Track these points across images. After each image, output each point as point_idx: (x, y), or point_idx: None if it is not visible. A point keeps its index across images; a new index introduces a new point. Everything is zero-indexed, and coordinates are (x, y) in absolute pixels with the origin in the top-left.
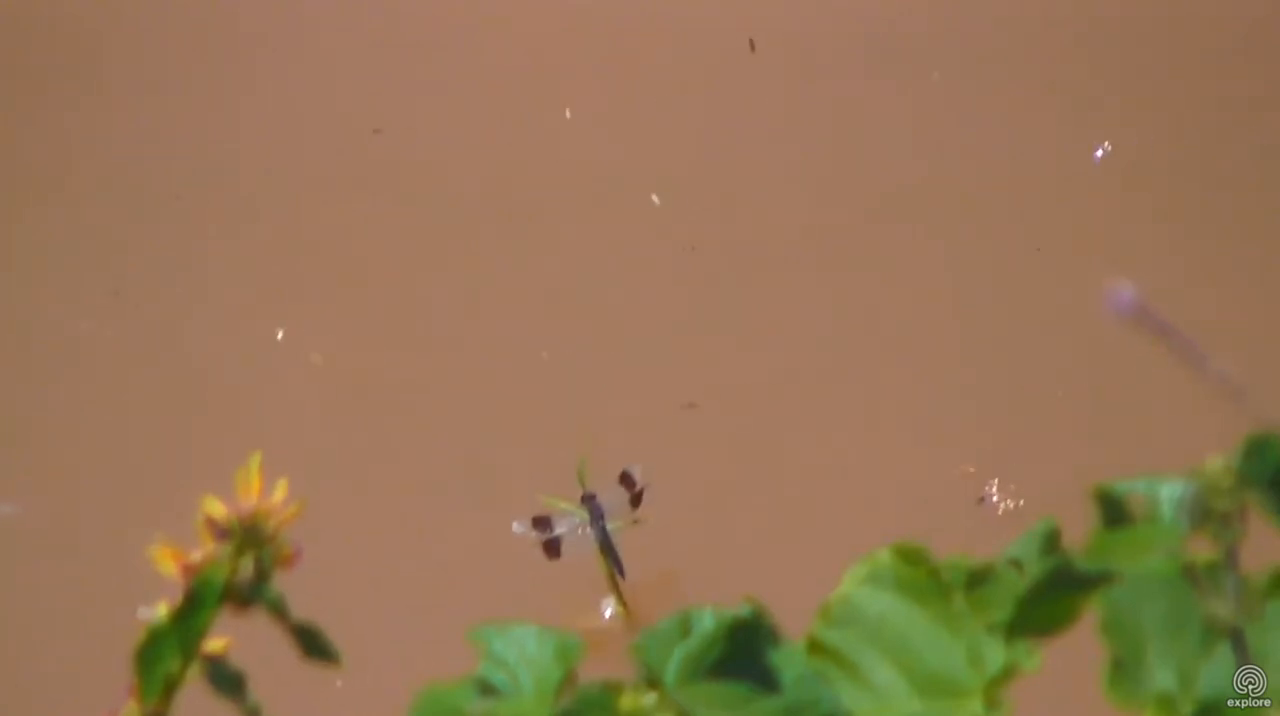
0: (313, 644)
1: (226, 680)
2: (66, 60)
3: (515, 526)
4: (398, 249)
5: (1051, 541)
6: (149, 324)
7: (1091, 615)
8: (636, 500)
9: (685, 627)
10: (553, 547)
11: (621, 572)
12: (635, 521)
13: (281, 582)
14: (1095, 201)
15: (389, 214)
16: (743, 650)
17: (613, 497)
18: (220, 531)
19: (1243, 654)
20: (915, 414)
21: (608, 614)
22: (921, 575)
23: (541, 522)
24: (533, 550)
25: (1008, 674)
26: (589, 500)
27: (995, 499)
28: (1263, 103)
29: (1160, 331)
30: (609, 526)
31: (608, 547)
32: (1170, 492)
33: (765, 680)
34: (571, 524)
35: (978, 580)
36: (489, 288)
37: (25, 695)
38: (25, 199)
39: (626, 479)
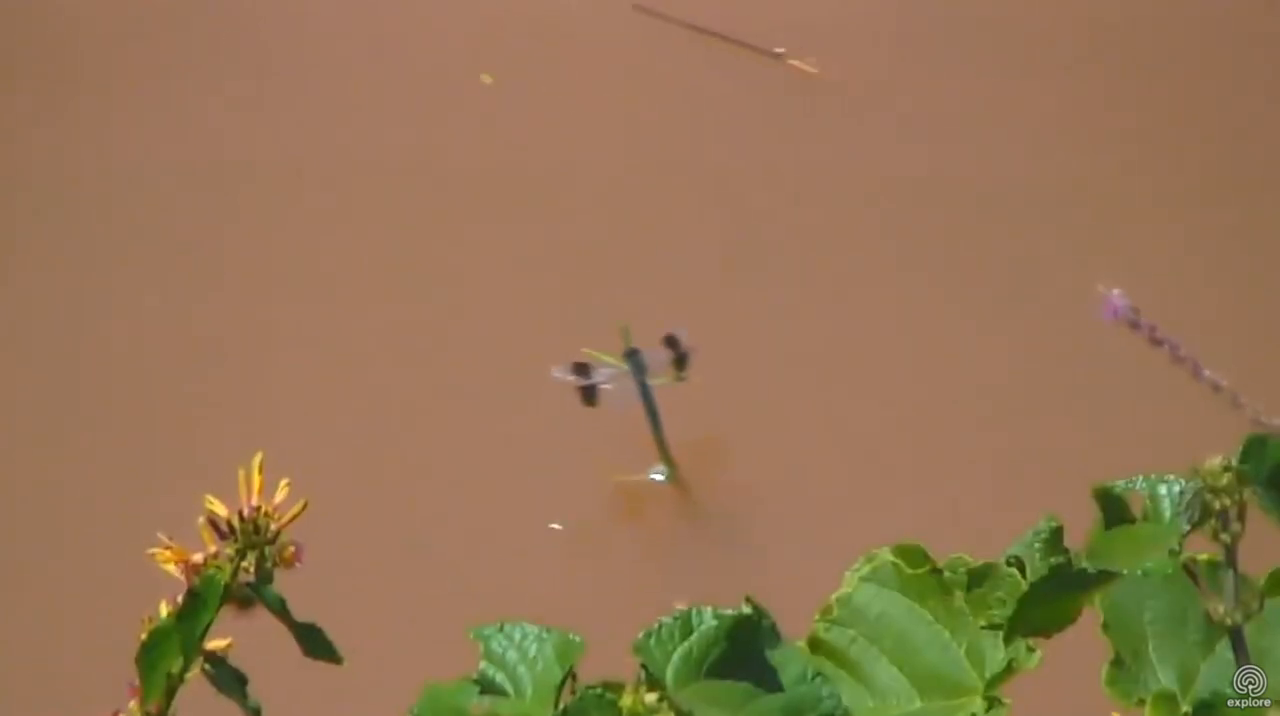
0: (315, 643)
1: (228, 680)
2: (68, 59)
3: (555, 372)
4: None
5: (1053, 540)
6: (150, 320)
7: (1092, 614)
8: (681, 362)
9: (686, 627)
10: (590, 394)
11: (658, 426)
12: (679, 379)
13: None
14: (1095, 203)
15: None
16: (743, 649)
17: (656, 357)
18: (222, 531)
19: (1242, 653)
20: (914, 414)
21: (657, 477)
22: (922, 574)
23: (581, 369)
24: (580, 417)
25: (1008, 673)
26: (632, 354)
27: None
28: (1261, 105)
29: (1152, 337)
30: (650, 383)
31: (647, 400)
32: (1170, 492)
33: (766, 679)
34: (612, 375)
35: (979, 579)
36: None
37: (29, 694)
38: (26, 199)
39: (671, 341)
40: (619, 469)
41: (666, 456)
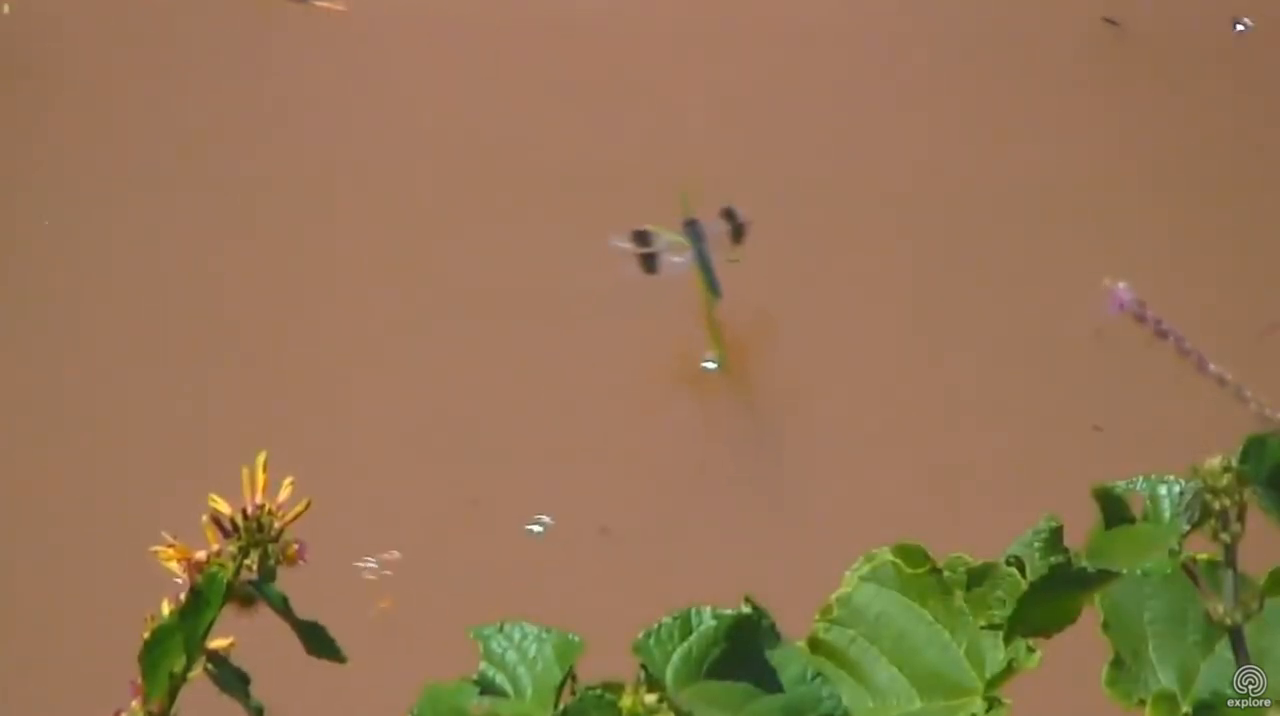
0: (317, 642)
1: (231, 679)
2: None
3: (613, 240)
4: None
5: (1053, 540)
6: (152, 318)
7: (1092, 614)
8: (738, 234)
9: (685, 627)
10: (650, 262)
11: (717, 293)
12: (734, 261)
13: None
14: (1096, 201)
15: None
16: (743, 649)
17: (714, 228)
18: (225, 529)
19: (1242, 653)
20: (913, 413)
21: (708, 366)
22: (922, 574)
23: (641, 237)
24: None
25: (1008, 673)
26: (691, 224)
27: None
28: (1261, 104)
29: (1158, 330)
30: (710, 253)
31: (705, 267)
32: (1170, 492)
33: (765, 679)
34: (671, 244)
35: (979, 579)
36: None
37: (30, 694)
38: (26, 199)
39: (729, 214)
40: (672, 362)
41: (718, 338)
